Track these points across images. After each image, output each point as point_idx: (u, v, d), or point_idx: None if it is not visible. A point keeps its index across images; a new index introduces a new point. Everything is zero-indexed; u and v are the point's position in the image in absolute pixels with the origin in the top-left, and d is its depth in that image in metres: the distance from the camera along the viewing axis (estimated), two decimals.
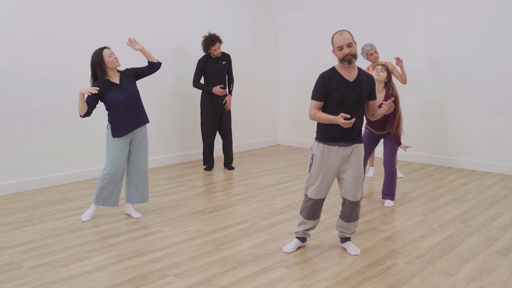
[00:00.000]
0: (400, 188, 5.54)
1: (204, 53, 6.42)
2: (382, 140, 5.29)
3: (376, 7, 7.20)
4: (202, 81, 6.46)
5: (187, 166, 6.79)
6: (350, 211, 3.55)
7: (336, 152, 3.43)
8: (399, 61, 5.80)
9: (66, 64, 5.70)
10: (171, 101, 6.88)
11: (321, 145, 3.47)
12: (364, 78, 3.43)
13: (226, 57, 6.40)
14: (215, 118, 6.42)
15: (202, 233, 4.09)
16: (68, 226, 4.28)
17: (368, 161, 6.16)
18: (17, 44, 5.30)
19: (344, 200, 3.56)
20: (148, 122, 4.49)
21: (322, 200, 3.57)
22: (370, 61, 5.80)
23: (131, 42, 4.47)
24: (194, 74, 6.33)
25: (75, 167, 5.88)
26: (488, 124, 6.33)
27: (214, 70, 6.28)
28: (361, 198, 3.57)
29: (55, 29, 5.58)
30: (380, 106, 4.54)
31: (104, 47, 4.23)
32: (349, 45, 3.32)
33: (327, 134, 3.44)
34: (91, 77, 4.28)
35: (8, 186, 5.33)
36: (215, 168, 6.65)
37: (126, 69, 4.45)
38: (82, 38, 5.79)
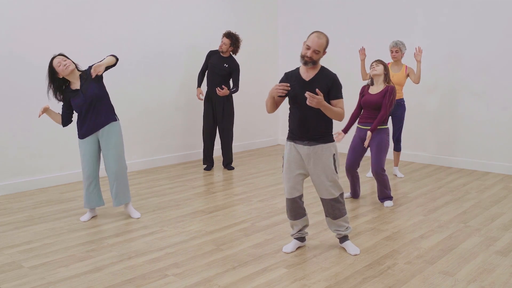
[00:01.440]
0: (400, 188, 5.54)
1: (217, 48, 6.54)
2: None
3: (377, 6, 7.20)
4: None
5: (187, 166, 6.79)
6: (331, 208, 3.57)
7: (302, 150, 3.49)
8: (419, 52, 5.78)
9: None
10: (171, 101, 6.88)
11: (288, 143, 3.56)
12: (323, 78, 3.43)
13: (231, 63, 6.29)
14: (213, 118, 6.40)
15: (202, 233, 4.09)
16: (68, 226, 4.28)
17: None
18: (17, 44, 5.30)
19: (322, 200, 3.59)
20: (114, 120, 4.32)
21: (298, 198, 3.57)
22: (391, 58, 5.82)
23: (94, 72, 4.11)
24: (202, 64, 6.49)
25: (75, 167, 5.88)
26: (488, 124, 6.33)
27: (213, 65, 6.28)
28: (341, 194, 3.57)
29: (56, 28, 5.58)
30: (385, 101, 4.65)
31: (54, 56, 4.13)
32: (316, 51, 3.35)
33: (292, 133, 3.53)
34: (48, 85, 4.16)
35: (8, 186, 5.33)
36: (215, 168, 6.65)
37: (89, 67, 4.29)
38: (83, 39, 5.80)
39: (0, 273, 3.31)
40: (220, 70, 6.27)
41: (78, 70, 4.27)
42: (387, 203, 4.84)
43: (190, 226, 4.27)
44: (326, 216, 3.66)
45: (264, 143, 8.44)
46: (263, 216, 4.56)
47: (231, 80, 6.40)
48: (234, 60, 6.35)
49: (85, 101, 4.19)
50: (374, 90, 4.83)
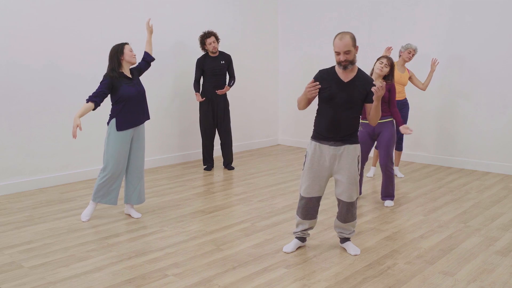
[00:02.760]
0: (400, 188, 5.54)
1: (203, 53, 6.45)
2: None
3: (376, 7, 7.20)
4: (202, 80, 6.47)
5: (187, 166, 6.79)
6: (345, 212, 3.55)
7: (327, 151, 3.44)
8: (434, 64, 5.94)
9: (67, 65, 5.70)
10: (171, 101, 6.88)
11: (313, 143, 3.50)
12: (361, 81, 3.39)
13: (225, 57, 6.36)
14: (213, 119, 6.41)
15: (202, 233, 4.09)
16: (68, 226, 4.28)
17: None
18: (18, 45, 5.30)
19: (339, 201, 3.55)
20: (149, 118, 4.53)
21: (316, 199, 3.55)
22: (402, 57, 5.81)
23: (149, 23, 4.70)
24: (194, 74, 6.35)
25: (75, 167, 5.89)
26: (488, 124, 6.33)
27: (211, 69, 6.26)
28: (357, 199, 3.56)
29: (54, 30, 5.58)
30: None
31: (123, 43, 4.31)
32: (346, 52, 3.30)
33: (319, 132, 3.47)
34: (108, 67, 4.27)
35: (8, 186, 5.33)
36: (215, 168, 6.65)
37: (131, 68, 4.48)
38: (83, 39, 5.80)
39: (0, 273, 3.31)
40: (220, 69, 6.29)
41: None
42: (388, 203, 4.84)
43: (190, 226, 4.27)
44: (337, 217, 3.64)
45: (264, 143, 8.44)
46: (263, 216, 4.56)
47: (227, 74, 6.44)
48: (225, 54, 6.38)
49: (139, 92, 4.34)
50: None
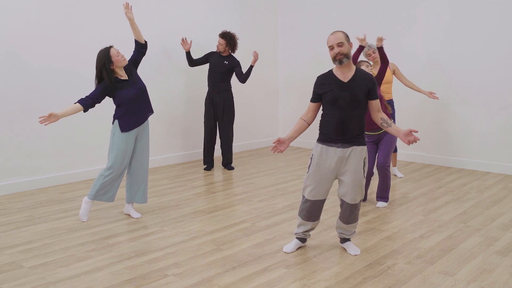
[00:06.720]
0: (400, 188, 5.54)
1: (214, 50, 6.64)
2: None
3: (376, 7, 7.20)
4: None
5: (187, 166, 6.79)
6: (348, 213, 3.53)
7: (334, 153, 3.42)
8: (431, 94, 5.88)
9: (66, 65, 5.70)
10: (171, 101, 6.88)
11: (319, 145, 3.48)
12: (361, 78, 3.39)
13: (231, 60, 6.36)
14: (214, 118, 6.42)
15: (202, 233, 4.09)
16: (68, 226, 4.28)
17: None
18: (18, 45, 5.30)
19: (342, 202, 3.53)
20: (153, 112, 4.46)
21: (321, 201, 3.53)
22: (373, 56, 5.79)
23: (127, 7, 4.34)
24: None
25: (75, 167, 5.89)
26: (488, 124, 6.34)
27: (213, 63, 6.34)
28: (360, 201, 3.54)
29: (56, 30, 5.58)
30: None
31: (110, 46, 4.17)
32: (339, 45, 3.32)
33: (325, 135, 3.45)
34: (96, 77, 4.18)
35: (8, 186, 5.33)
36: (215, 168, 6.65)
37: (127, 66, 4.36)
38: (82, 39, 5.80)
39: (0, 273, 3.31)
40: (221, 67, 6.32)
41: None
42: (381, 204, 4.83)
43: (190, 226, 4.27)
44: (339, 218, 3.62)
45: (264, 143, 8.44)
46: (263, 216, 4.56)
47: (232, 77, 6.49)
48: (234, 58, 6.42)
49: (138, 92, 4.25)
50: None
